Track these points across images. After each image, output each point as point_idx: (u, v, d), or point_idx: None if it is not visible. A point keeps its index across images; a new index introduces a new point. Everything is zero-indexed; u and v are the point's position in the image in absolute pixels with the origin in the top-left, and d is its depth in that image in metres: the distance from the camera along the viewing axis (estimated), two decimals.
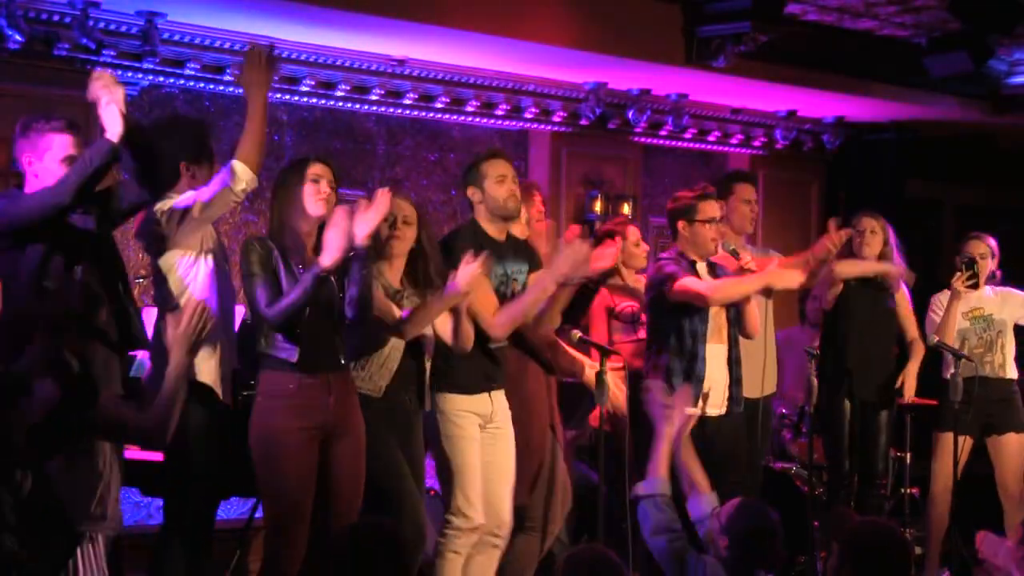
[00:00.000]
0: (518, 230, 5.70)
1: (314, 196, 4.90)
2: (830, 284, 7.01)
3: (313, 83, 7.71)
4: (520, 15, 7.36)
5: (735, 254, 6.08)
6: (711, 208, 6.07)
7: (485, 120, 8.56)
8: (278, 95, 7.54)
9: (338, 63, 7.72)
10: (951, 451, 6.97)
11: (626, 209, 8.92)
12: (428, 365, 5.27)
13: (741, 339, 6.20)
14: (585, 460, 6.72)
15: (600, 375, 5.45)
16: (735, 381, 6.12)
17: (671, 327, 6.02)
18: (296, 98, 7.77)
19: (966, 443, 7.08)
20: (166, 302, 4.98)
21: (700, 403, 6.06)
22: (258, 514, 5.90)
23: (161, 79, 7.17)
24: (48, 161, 4.79)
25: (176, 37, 7.07)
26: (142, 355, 5.60)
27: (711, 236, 6.05)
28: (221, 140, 6.95)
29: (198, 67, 7.27)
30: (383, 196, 4.81)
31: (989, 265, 7.19)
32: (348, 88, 7.85)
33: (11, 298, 4.79)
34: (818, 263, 6.67)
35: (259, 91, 4.99)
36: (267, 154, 7.73)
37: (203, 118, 6.94)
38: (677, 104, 8.97)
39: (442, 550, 5.31)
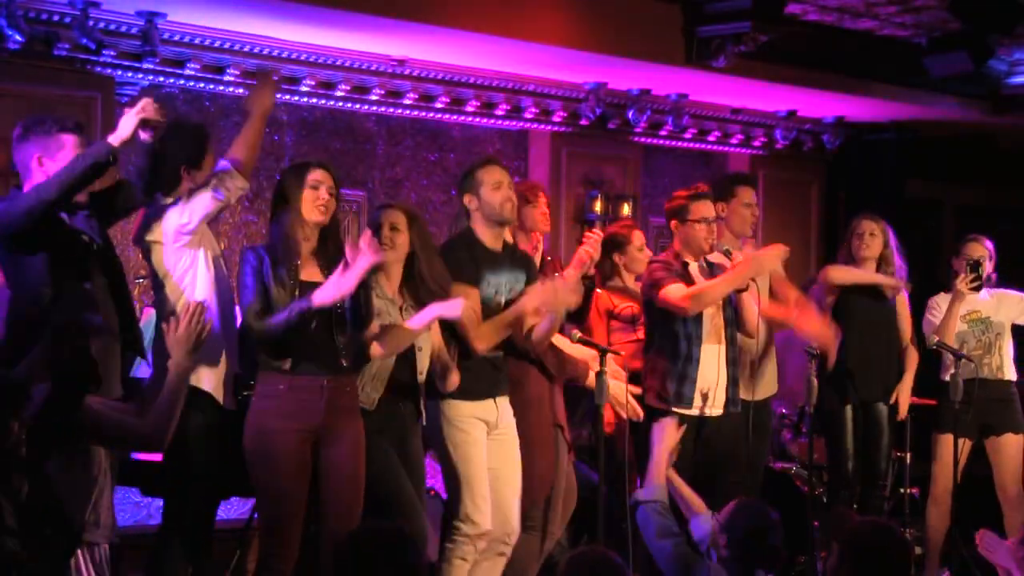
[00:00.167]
0: (521, 237, 5.72)
1: (313, 203, 4.90)
2: (826, 290, 7.01)
3: (313, 83, 7.71)
4: (520, 15, 7.36)
5: (728, 254, 6.09)
6: (703, 208, 6.09)
7: (485, 120, 8.56)
8: (277, 95, 7.53)
9: (338, 63, 7.72)
10: (951, 452, 6.97)
11: (626, 209, 8.92)
12: (421, 378, 5.27)
13: (744, 340, 6.22)
14: (585, 460, 6.72)
15: (600, 375, 5.44)
16: (732, 381, 6.12)
17: (666, 329, 6.04)
18: (296, 98, 7.77)
19: (965, 445, 7.09)
20: (165, 304, 4.98)
21: (700, 403, 6.07)
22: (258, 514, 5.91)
23: (161, 79, 7.17)
24: (61, 160, 4.81)
25: (176, 37, 7.06)
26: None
27: (703, 235, 6.06)
28: (221, 140, 6.94)
29: (198, 67, 7.27)
30: (367, 247, 4.79)
31: (987, 268, 7.21)
32: (348, 88, 7.85)
33: (16, 304, 4.81)
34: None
35: (264, 114, 5.02)
36: (267, 154, 7.82)
37: (204, 121, 6.93)
38: (677, 104, 8.96)
39: (449, 556, 5.31)
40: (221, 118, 7.50)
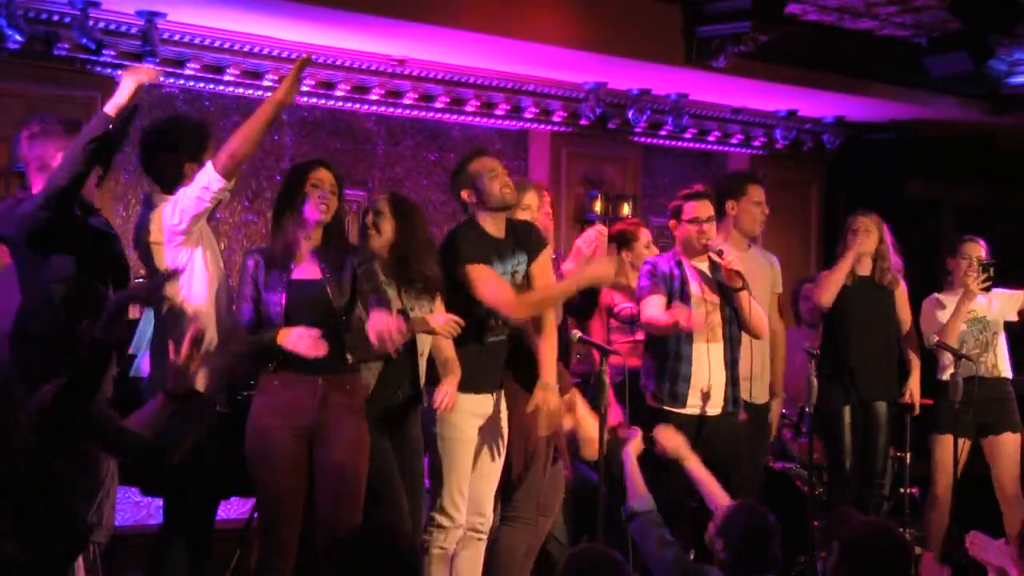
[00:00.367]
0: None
1: (314, 202, 4.90)
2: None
3: (313, 83, 7.71)
4: (520, 15, 7.36)
5: (720, 254, 6.11)
6: (696, 208, 6.15)
7: (485, 120, 8.56)
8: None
9: (338, 63, 7.72)
10: (950, 453, 6.97)
11: (626, 209, 8.92)
12: (422, 361, 5.27)
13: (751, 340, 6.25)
14: (585, 460, 6.72)
15: (599, 375, 5.45)
16: (732, 381, 6.13)
17: None
18: (296, 98, 7.75)
19: (964, 444, 7.09)
20: (163, 304, 4.98)
21: (698, 403, 6.08)
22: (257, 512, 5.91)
23: (161, 79, 7.16)
24: None
25: (176, 37, 7.06)
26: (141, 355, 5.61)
27: (695, 235, 6.12)
28: (221, 140, 6.93)
29: (198, 67, 7.28)
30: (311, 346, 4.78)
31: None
32: (348, 88, 7.85)
33: (27, 303, 4.81)
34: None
35: (279, 104, 4.91)
36: (267, 154, 7.82)
37: (205, 118, 6.93)
38: (677, 104, 8.96)
39: (428, 547, 5.35)
40: (221, 118, 7.50)
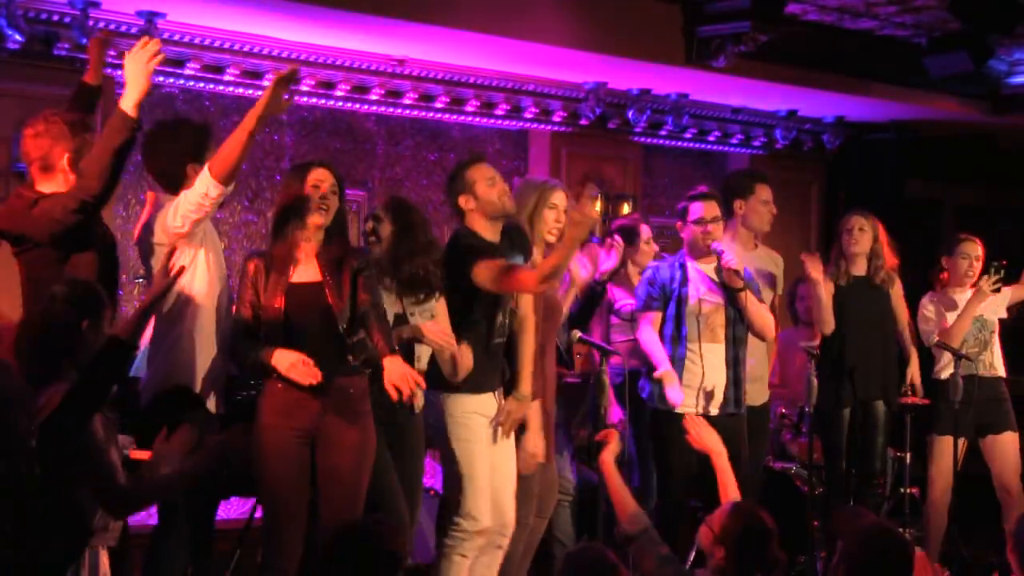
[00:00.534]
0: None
1: (315, 205, 4.90)
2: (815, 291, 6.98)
3: (313, 83, 7.70)
4: (520, 15, 7.35)
5: (718, 254, 6.13)
6: (701, 208, 6.17)
7: (485, 120, 8.56)
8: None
9: (338, 63, 7.72)
10: (949, 454, 6.98)
11: (626, 209, 8.92)
12: (418, 366, 5.27)
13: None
14: (585, 460, 6.73)
15: (599, 375, 5.46)
16: (733, 381, 6.14)
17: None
18: (296, 98, 7.76)
19: (963, 444, 7.09)
20: (164, 305, 4.97)
21: (700, 403, 6.08)
22: (258, 514, 5.91)
23: (161, 79, 7.16)
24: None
25: (176, 37, 7.06)
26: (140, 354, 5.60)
27: (699, 235, 6.16)
28: (223, 140, 6.93)
29: (198, 67, 7.27)
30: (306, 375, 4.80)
31: (978, 268, 7.24)
32: (348, 88, 7.84)
33: (28, 301, 4.81)
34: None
35: (262, 116, 4.86)
36: (267, 154, 7.82)
37: (206, 119, 6.94)
38: (677, 104, 8.96)
39: (448, 553, 5.32)
40: (221, 118, 7.50)
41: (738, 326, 6.18)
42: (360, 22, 6.93)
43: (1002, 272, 7.05)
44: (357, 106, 8.04)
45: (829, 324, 6.87)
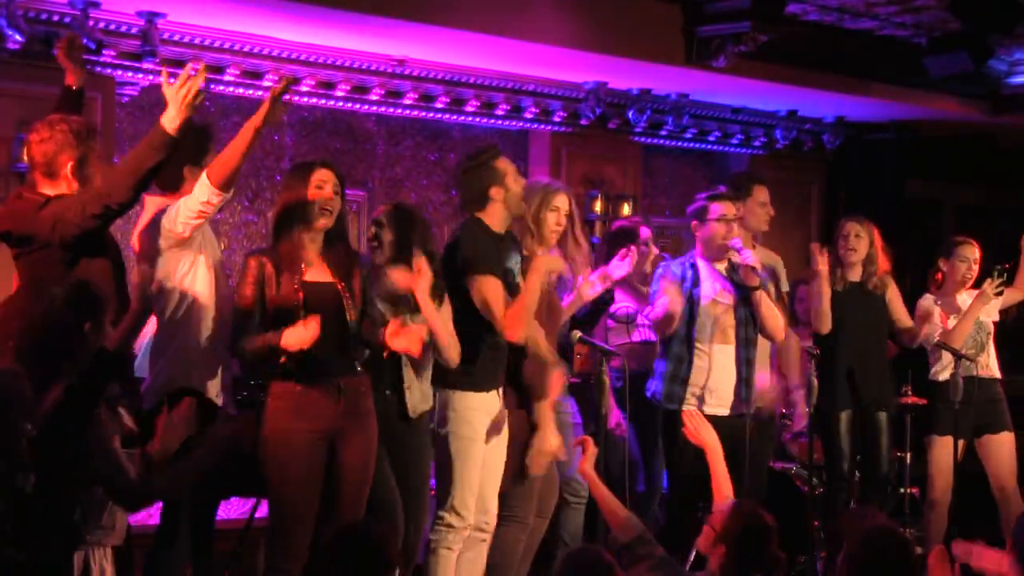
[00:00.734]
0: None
1: (317, 203, 4.90)
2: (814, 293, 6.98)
3: (313, 83, 7.70)
4: (520, 15, 7.35)
5: (736, 251, 6.13)
6: (723, 208, 6.17)
7: (485, 120, 8.55)
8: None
9: (338, 63, 7.71)
10: (948, 455, 6.99)
11: (626, 209, 8.92)
12: (407, 370, 5.27)
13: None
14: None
15: (600, 375, 5.46)
16: (744, 382, 6.13)
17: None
18: (296, 98, 7.76)
19: (961, 445, 7.10)
20: (165, 309, 4.97)
21: (707, 402, 6.08)
22: (258, 514, 5.91)
23: (160, 79, 7.15)
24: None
25: (176, 37, 7.05)
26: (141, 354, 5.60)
27: (721, 234, 6.16)
28: (222, 142, 6.93)
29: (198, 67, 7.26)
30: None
31: (976, 271, 7.24)
32: (348, 88, 7.84)
33: (28, 303, 4.81)
34: None
35: (257, 127, 4.85)
36: (267, 154, 7.82)
37: (204, 120, 6.93)
38: (677, 104, 8.96)
39: (435, 547, 5.34)
40: (221, 118, 7.50)
41: (749, 327, 6.18)
42: (360, 22, 6.93)
43: (1004, 275, 7.05)
44: (357, 106, 8.03)
45: (827, 322, 6.87)
